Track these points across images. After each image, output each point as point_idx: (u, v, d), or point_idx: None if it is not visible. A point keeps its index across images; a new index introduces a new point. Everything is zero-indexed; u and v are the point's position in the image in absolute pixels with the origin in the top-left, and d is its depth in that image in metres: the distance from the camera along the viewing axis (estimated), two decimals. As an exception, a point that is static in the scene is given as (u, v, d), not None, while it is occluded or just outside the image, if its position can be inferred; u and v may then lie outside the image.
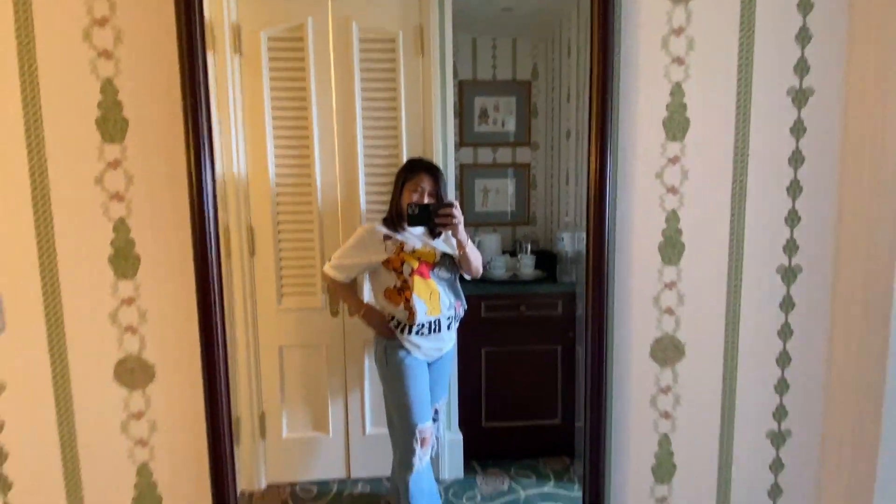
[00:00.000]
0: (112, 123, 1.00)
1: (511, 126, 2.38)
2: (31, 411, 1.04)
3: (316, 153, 1.72)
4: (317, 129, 1.71)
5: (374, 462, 1.64)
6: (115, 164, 1.01)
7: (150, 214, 1.03)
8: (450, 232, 1.27)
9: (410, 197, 1.32)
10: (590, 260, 1.08)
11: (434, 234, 1.33)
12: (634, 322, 1.14)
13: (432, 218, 1.23)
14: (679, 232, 1.12)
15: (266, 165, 1.71)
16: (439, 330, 1.34)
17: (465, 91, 2.32)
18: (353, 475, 1.80)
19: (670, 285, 1.14)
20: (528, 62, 2.38)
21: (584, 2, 1.78)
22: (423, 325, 1.32)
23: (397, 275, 1.33)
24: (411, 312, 1.32)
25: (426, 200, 1.30)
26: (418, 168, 1.36)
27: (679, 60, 1.09)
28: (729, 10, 1.09)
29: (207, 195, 0.99)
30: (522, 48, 2.36)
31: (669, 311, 1.14)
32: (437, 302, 1.32)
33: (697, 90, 1.10)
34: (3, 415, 1.04)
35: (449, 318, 1.35)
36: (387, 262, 1.34)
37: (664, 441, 1.19)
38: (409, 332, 1.33)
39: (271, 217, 1.73)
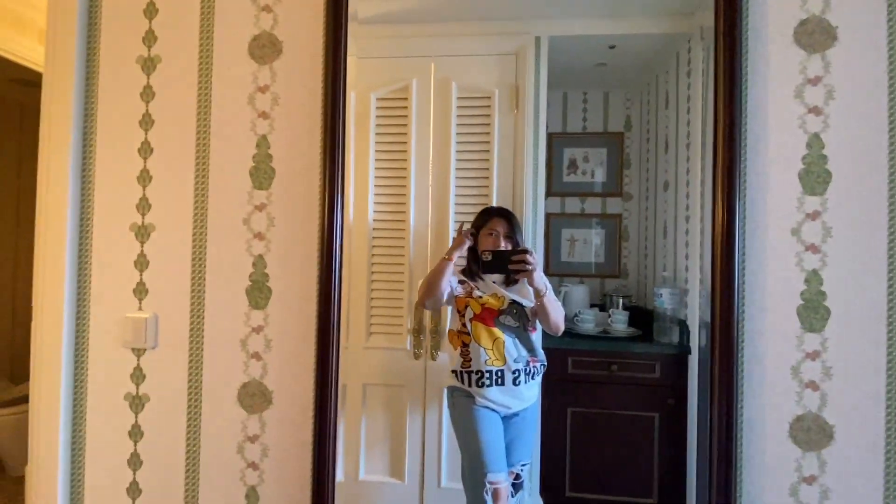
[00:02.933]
0: (262, 173, 1.16)
1: (601, 177, 2.37)
2: (167, 424, 1.17)
3: (412, 201, 1.82)
4: (414, 178, 1.81)
5: (449, 518, 1.58)
6: (261, 208, 1.16)
7: (285, 252, 1.15)
8: (526, 280, 1.25)
9: (485, 241, 1.33)
10: (716, 323, 1.01)
11: (509, 281, 1.32)
12: (768, 394, 1.03)
13: (507, 264, 1.22)
14: (822, 294, 1.02)
15: (366, 212, 1.83)
16: (503, 382, 1.29)
17: (554, 143, 2.36)
18: None
19: (813, 355, 1.02)
20: (621, 114, 2.38)
21: (682, 55, 1.77)
22: (482, 374, 1.29)
23: (460, 317, 1.34)
24: (466, 359, 1.30)
25: (502, 244, 1.30)
26: (491, 213, 1.39)
27: (816, 110, 1.03)
28: (874, 59, 1.03)
29: (336, 238, 1.09)
30: (615, 100, 2.37)
31: (813, 386, 1.01)
32: (500, 351, 1.29)
33: (839, 141, 1.03)
34: (144, 425, 1.18)
35: (517, 372, 1.30)
36: (456, 301, 1.35)
37: (810, 538, 1.02)
38: (469, 381, 1.31)
39: (366, 259, 1.84)
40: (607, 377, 1.75)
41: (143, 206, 1.19)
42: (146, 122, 1.19)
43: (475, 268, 1.34)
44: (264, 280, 1.15)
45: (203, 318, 1.16)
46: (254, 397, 1.15)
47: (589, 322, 1.76)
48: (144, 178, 1.19)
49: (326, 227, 1.09)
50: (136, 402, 1.18)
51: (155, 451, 1.17)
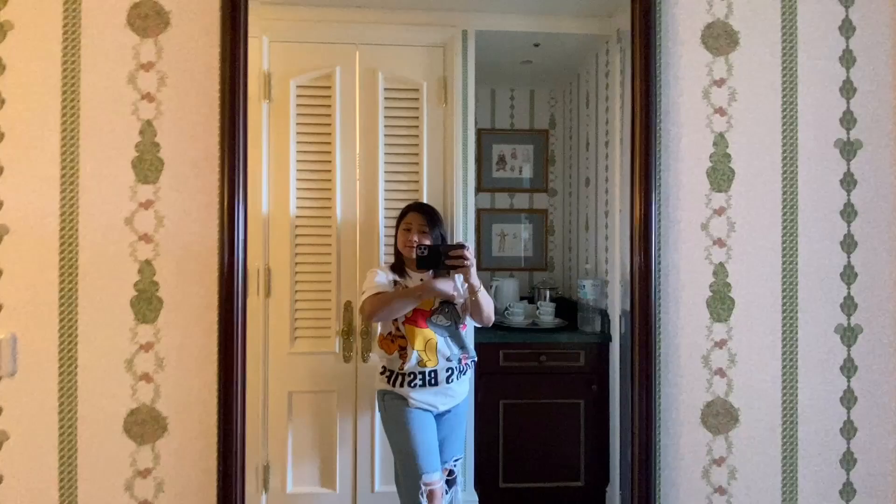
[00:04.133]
0: (147, 164, 0.99)
1: (528, 173, 2.40)
2: (34, 465, 0.97)
3: (337, 196, 1.72)
4: (339, 172, 1.72)
5: (383, 523, 1.52)
6: (147, 205, 0.99)
7: (178, 256, 1.00)
8: (460, 276, 1.22)
9: (403, 236, 1.31)
10: (635, 315, 1.02)
11: (438, 277, 1.28)
12: (683, 382, 1.07)
13: (442, 260, 1.17)
14: (728, 286, 1.07)
15: (287, 206, 1.71)
16: (436, 382, 1.27)
17: (483, 139, 2.36)
18: None
19: (720, 344, 1.07)
20: (546, 111, 2.43)
21: (601, 56, 1.82)
22: (414, 376, 1.26)
23: (393, 320, 1.29)
24: (403, 361, 1.27)
25: (414, 238, 1.27)
26: (408, 209, 1.37)
27: (721, 111, 1.07)
28: (770, 64, 1.09)
29: (238, 239, 0.96)
30: (540, 98, 2.42)
31: (721, 373, 1.06)
32: (433, 352, 1.27)
33: (741, 141, 1.08)
34: (3, 468, 0.97)
35: (450, 370, 1.28)
36: None
37: (720, 520, 1.08)
38: (402, 383, 1.28)
39: (289, 258, 1.71)
40: (537, 368, 1.78)
41: (-9, 202, 0.97)
42: (-8, 100, 0.97)
43: (402, 265, 1.31)
44: (153, 289, 0.99)
45: (76, 337, 0.98)
46: (144, 425, 0.99)
47: (519, 315, 1.77)
48: (-9, 166, 0.97)
49: (227, 224, 0.96)
50: (-10, 442, 0.96)
51: (20, 499, 0.97)
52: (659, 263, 1.05)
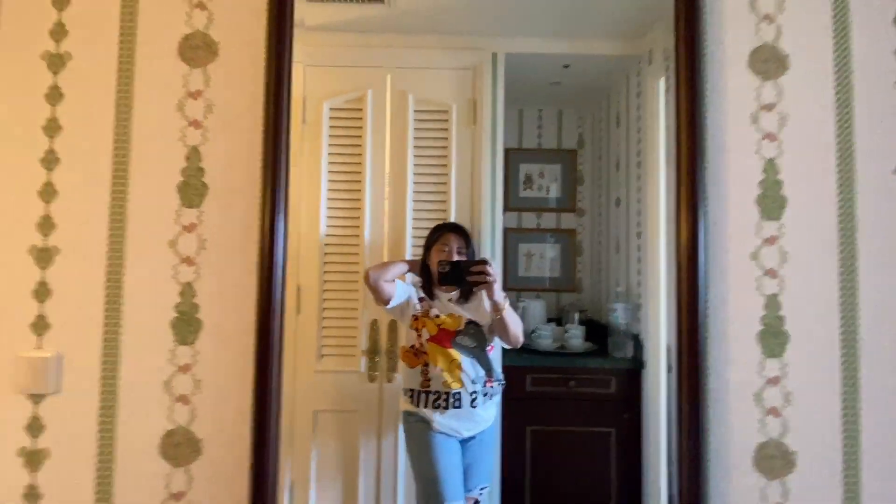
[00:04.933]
0: (192, 189, 1.01)
1: (556, 192, 2.38)
2: (71, 484, 0.98)
3: (366, 215, 1.73)
4: (369, 192, 1.73)
5: (407, 552, 1.48)
6: (190, 228, 1.01)
7: (218, 279, 1.01)
8: (485, 294, 1.19)
9: (437, 257, 1.29)
10: (683, 350, 0.97)
11: (466, 295, 1.27)
12: (734, 423, 1.01)
13: (464, 276, 1.15)
14: (781, 319, 1.01)
15: (318, 225, 1.73)
16: (460, 405, 1.23)
17: (511, 158, 2.35)
18: None
19: (773, 381, 1.00)
20: (575, 131, 2.41)
21: (633, 77, 1.80)
22: (439, 395, 1.23)
23: (417, 335, 1.28)
24: (426, 378, 1.25)
25: (455, 258, 1.25)
26: (443, 229, 1.36)
27: (771, 136, 1.03)
28: (823, 88, 1.05)
29: (278, 263, 0.97)
30: (568, 118, 2.40)
31: (774, 413, 1.00)
32: (456, 373, 1.24)
33: (793, 167, 1.04)
34: (43, 486, 0.98)
35: (474, 394, 1.25)
36: (414, 319, 1.29)
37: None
38: (425, 403, 1.25)
39: (318, 276, 1.72)
40: (565, 393, 1.73)
41: (46, 225, 1.00)
42: (52, 127, 1.01)
43: (429, 286, 1.29)
44: (193, 311, 1.00)
45: (118, 357, 0.99)
46: (179, 447, 0.99)
47: (547, 338, 1.73)
48: (48, 192, 1.01)
49: (267, 250, 0.96)
50: (33, 459, 0.98)
51: (56, 517, 0.98)
52: (707, 295, 1.01)
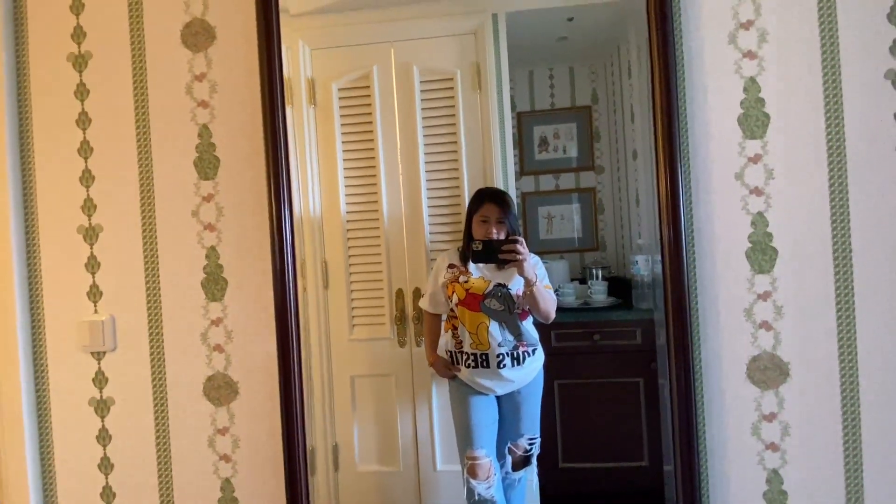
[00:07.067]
0: (206, 163, 1.13)
1: (573, 152, 2.35)
2: (135, 426, 1.15)
3: (383, 190, 1.80)
4: (383, 167, 1.79)
5: (447, 499, 1.58)
6: (208, 198, 1.13)
7: (237, 241, 1.13)
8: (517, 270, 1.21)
9: (479, 228, 1.31)
10: (667, 270, 1.00)
11: (500, 267, 1.29)
12: (725, 339, 1.03)
13: (496, 254, 1.20)
14: (769, 236, 1.02)
15: (338, 204, 1.81)
16: (487, 365, 1.28)
17: (524, 122, 2.35)
18: None
19: (764, 296, 1.02)
20: (588, 87, 2.36)
21: (640, 23, 1.76)
22: (468, 356, 1.29)
23: (449, 302, 1.33)
24: (457, 341, 1.30)
25: (493, 230, 1.27)
26: (483, 198, 1.36)
27: (751, 54, 1.02)
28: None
29: (285, 222, 1.07)
30: (580, 74, 2.35)
31: (766, 326, 1.02)
32: (484, 335, 1.27)
33: (775, 84, 1.02)
34: (111, 428, 1.15)
35: (501, 356, 1.28)
36: (444, 288, 1.34)
37: (774, 478, 1.03)
38: (458, 362, 1.31)
39: (343, 251, 1.82)
40: (590, 347, 1.74)
41: (89, 207, 1.15)
42: (83, 120, 1.16)
43: (468, 253, 1.32)
44: (219, 271, 1.13)
45: (161, 315, 1.14)
46: (220, 389, 1.13)
47: (570, 295, 1.75)
48: (87, 178, 1.15)
49: (275, 211, 1.06)
50: (101, 406, 1.15)
51: (125, 453, 1.15)
52: (691, 217, 1.02)
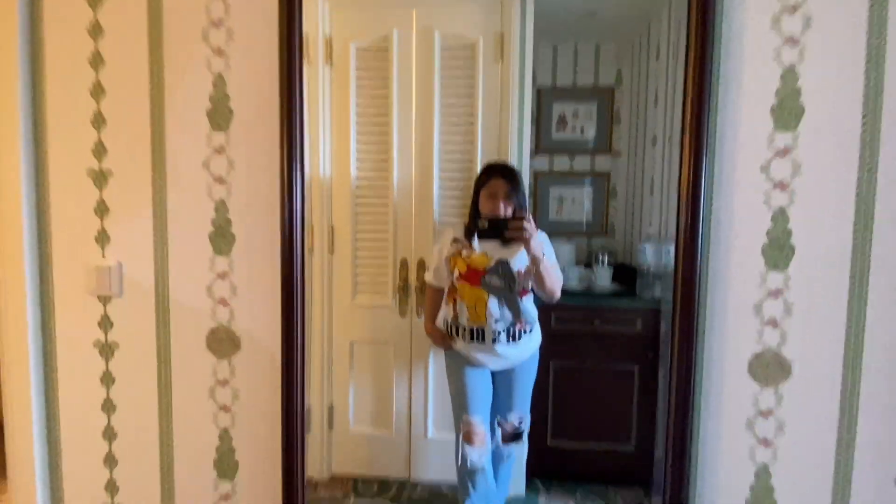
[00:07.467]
0: (219, 114, 1.10)
1: (591, 133, 2.29)
2: (138, 371, 1.17)
3: (394, 157, 1.76)
4: (396, 133, 1.75)
5: (436, 467, 1.61)
6: (219, 150, 1.11)
7: (247, 197, 1.12)
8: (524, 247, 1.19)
9: (486, 203, 1.28)
10: (679, 258, 0.99)
11: (505, 243, 1.26)
12: (730, 333, 1.02)
13: (502, 231, 1.17)
14: (788, 233, 0.99)
15: (348, 168, 1.78)
16: (483, 340, 1.28)
17: (544, 98, 2.27)
18: (414, 477, 1.79)
19: (775, 293, 1.00)
20: (612, 67, 2.28)
21: (675, 2, 1.68)
22: (464, 330, 1.29)
23: (450, 275, 1.32)
24: (455, 314, 1.30)
25: (501, 206, 1.25)
26: (492, 172, 1.32)
27: (792, 40, 0.97)
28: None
29: (296, 185, 1.05)
30: (606, 53, 2.27)
31: (773, 323, 1.01)
32: (482, 310, 1.26)
33: (815, 74, 0.97)
34: (115, 372, 1.17)
35: (496, 333, 1.27)
36: (447, 262, 1.33)
37: (763, 472, 1.04)
38: (455, 333, 1.31)
39: (351, 217, 1.80)
40: (590, 332, 1.74)
41: (99, 150, 1.14)
42: (96, 60, 1.12)
43: (473, 228, 1.29)
44: (227, 226, 1.12)
45: (167, 265, 1.14)
46: (222, 342, 1.14)
47: (573, 279, 1.74)
48: (98, 121, 1.13)
49: (286, 172, 1.04)
50: (106, 350, 1.17)
51: (127, 397, 1.17)
52: (710, 207, 0.99)
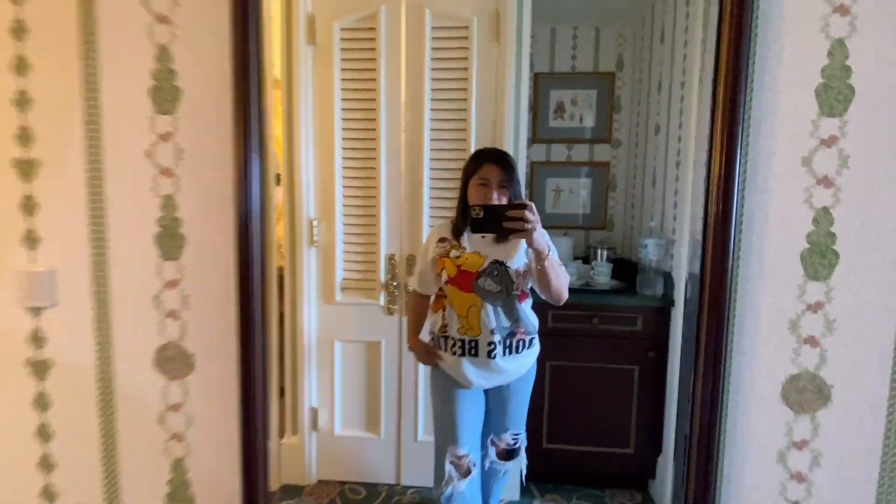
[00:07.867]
0: (165, 93, 0.93)
1: (590, 121, 2.16)
2: (76, 392, 1.00)
3: (382, 145, 1.64)
4: (384, 120, 1.63)
5: (426, 471, 1.50)
6: (166, 137, 0.94)
7: (199, 191, 0.95)
8: (525, 241, 1.01)
9: (477, 192, 1.09)
10: (707, 266, 0.83)
11: (500, 239, 1.08)
12: (762, 352, 0.88)
13: (500, 222, 0.96)
14: (832, 237, 0.85)
15: (332, 157, 1.67)
16: (476, 353, 1.10)
17: (541, 84, 2.13)
18: (403, 482, 1.73)
19: (815, 307, 0.86)
20: (613, 52, 2.14)
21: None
22: (455, 342, 1.11)
23: (438, 280, 1.14)
24: (444, 324, 1.13)
25: (494, 195, 1.06)
26: (483, 158, 1.11)
27: (843, 9, 0.81)
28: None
29: (253, 179, 0.89)
30: (607, 37, 2.13)
31: (812, 342, 0.87)
32: (475, 319, 1.08)
33: (867, 49, 0.81)
34: (50, 394, 1.01)
35: (492, 345, 1.09)
36: (433, 264, 1.15)
37: (795, 511, 0.91)
38: (444, 347, 1.14)
39: (336, 210, 1.68)
40: (588, 330, 1.68)
41: (25, 136, 0.96)
42: (19, 31, 0.94)
43: (463, 225, 1.11)
44: (176, 225, 0.95)
45: (107, 271, 0.97)
46: (173, 361, 0.98)
47: (571, 275, 1.61)
48: (22, 101, 0.96)
49: (243, 159, 0.88)
50: (39, 369, 1.00)
51: (66, 423, 1.01)
52: (742, 205, 0.84)
